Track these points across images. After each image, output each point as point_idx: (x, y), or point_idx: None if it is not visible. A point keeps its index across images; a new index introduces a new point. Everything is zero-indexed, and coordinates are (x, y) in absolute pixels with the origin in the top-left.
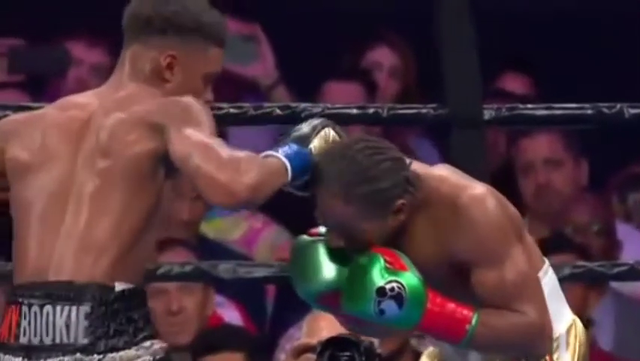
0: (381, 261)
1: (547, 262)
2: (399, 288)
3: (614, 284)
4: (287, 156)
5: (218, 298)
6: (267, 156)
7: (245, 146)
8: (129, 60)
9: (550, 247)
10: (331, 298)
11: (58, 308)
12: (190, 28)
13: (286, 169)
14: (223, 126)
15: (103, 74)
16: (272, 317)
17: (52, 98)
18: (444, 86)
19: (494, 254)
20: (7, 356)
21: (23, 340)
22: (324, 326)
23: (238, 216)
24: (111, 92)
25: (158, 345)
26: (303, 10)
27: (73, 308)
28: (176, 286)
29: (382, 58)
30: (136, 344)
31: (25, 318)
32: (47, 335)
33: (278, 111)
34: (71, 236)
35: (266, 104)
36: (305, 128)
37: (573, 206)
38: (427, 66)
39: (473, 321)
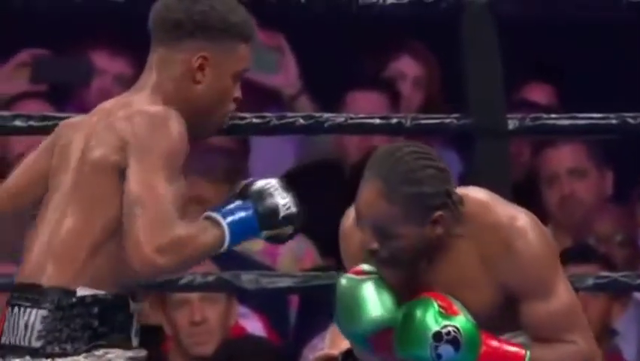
0: (435, 305)
1: None
2: (454, 332)
3: (638, 295)
4: (231, 227)
5: (241, 309)
6: (210, 220)
7: (268, 156)
8: (157, 63)
9: (573, 257)
10: (381, 339)
11: (22, 310)
12: (219, 29)
13: (223, 242)
14: (246, 136)
15: (126, 84)
16: (295, 328)
17: (75, 108)
18: (467, 95)
19: (544, 286)
20: None
21: (3, 340)
22: None
23: None
24: (124, 97)
25: (113, 355)
26: (326, 19)
27: (34, 311)
28: (199, 297)
29: (406, 67)
30: (87, 351)
31: (7, 319)
32: (13, 336)
33: (301, 121)
34: (50, 241)
35: (289, 114)
36: (280, 210)
37: (597, 216)
38: (452, 75)
39: (526, 360)
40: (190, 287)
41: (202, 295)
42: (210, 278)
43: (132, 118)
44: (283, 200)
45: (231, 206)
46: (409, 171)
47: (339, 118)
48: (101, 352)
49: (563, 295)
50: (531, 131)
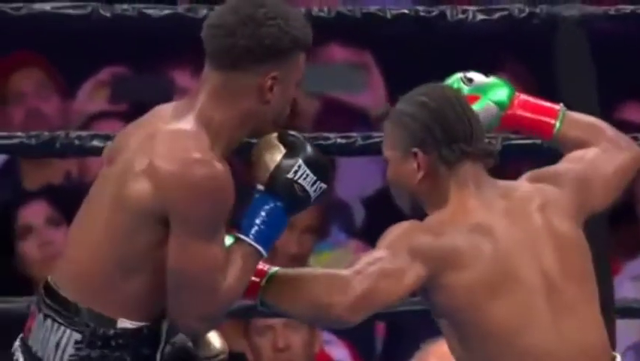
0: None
1: None
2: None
3: None
4: (262, 241)
5: (326, 336)
6: (241, 246)
7: (353, 177)
8: (218, 87)
9: None
10: None
11: (55, 326)
12: (288, 48)
13: (260, 257)
14: (331, 157)
15: None
16: (381, 355)
17: None
18: None
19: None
20: (21, 354)
21: (34, 348)
22: None
23: (347, 249)
24: (173, 117)
25: None
26: (416, 36)
27: (67, 332)
28: (283, 323)
29: None
30: None
31: (38, 326)
32: (42, 349)
33: None
34: (82, 258)
35: (375, 134)
36: (311, 196)
37: None
38: (549, 94)
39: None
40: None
41: (286, 320)
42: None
43: (178, 176)
44: (312, 184)
45: (256, 217)
46: (411, 99)
47: None
48: None
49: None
50: None
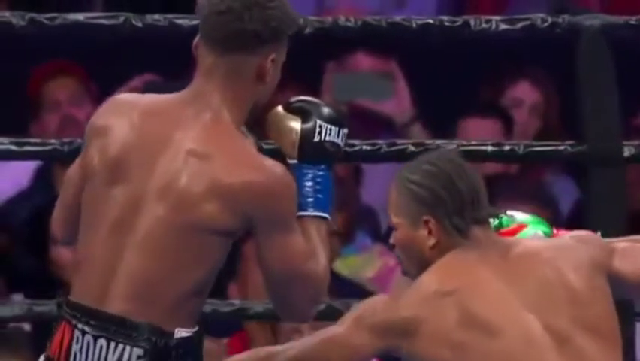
0: None
1: None
2: None
3: None
4: (323, 208)
5: None
6: (312, 221)
7: (378, 182)
8: (227, 72)
9: None
10: None
11: (112, 345)
12: (287, 30)
13: (327, 223)
14: (356, 163)
15: None
16: None
17: None
18: (582, 122)
19: None
20: None
21: None
22: None
23: (372, 253)
24: (197, 120)
25: None
26: (441, 45)
27: (127, 348)
28: (310, 326)
29: (524, 94)
30: None
31: (77, 343)
32: None
33: (412, 148)
34: (127, 276)
35: (399, 141)
36: (342, 147)
37: None
38: (570, 102)
39: None
40: None
41: (313, 323)
42: (320, 306)
43: (249, 186)
44: (338, 135)
45: (305, 189)
46: (416, 166)
47: (451, 145)
48: None
49: None
50: None
